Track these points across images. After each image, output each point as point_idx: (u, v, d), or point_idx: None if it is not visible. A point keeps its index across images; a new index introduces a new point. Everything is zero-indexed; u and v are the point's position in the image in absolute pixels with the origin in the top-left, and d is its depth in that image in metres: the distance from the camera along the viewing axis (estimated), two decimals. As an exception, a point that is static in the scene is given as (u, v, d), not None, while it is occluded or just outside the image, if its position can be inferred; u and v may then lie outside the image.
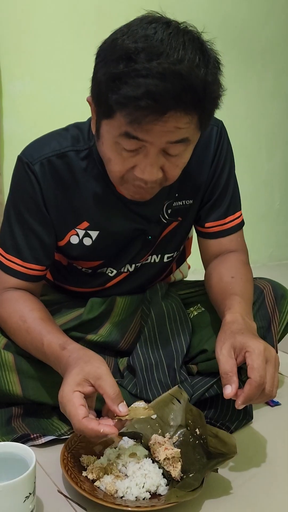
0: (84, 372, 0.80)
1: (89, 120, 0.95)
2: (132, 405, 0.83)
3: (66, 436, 0.95)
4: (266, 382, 0.80)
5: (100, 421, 0.78)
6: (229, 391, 0.80)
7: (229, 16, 2.28)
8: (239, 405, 0.80)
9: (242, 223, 1.09)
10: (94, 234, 1.01)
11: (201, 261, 1.14)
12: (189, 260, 1.28)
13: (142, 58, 0.71)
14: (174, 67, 0.70)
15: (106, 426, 0.76)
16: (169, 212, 1.03)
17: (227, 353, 0.83)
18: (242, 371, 1.05)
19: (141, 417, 0.83)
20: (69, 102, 1.85)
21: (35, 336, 0.91)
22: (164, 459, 0.82)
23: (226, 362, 0.82)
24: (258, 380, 0.78)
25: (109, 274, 1.08)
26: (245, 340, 0.82)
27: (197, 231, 1.12)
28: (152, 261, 1.10)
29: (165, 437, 0.89)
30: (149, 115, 0.73)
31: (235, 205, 1.07)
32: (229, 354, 0.83)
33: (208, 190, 1.04)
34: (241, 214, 1.09)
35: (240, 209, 1.09)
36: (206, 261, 1.11)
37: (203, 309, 1.12)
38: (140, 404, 0.84)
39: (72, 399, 0.77)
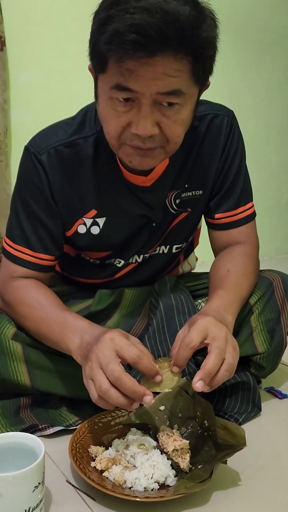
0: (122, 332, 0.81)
1: None
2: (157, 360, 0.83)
3: (74, 427, 0.95)
4: (210, 340, 0.78)
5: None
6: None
7: (237, 6, 2.25)
8: (197, 381, 0.76)
9: (253, 215, 1.08)
10: (101, 221, 1.00)
11: (208, 253, 1.13)
12: (197, 252, 1.27)
13: (131, 0, 0.71)
14: (160, 4, 0.70)
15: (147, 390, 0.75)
16: (177, 202, 1.02)
17: (181, 332, 0.84)
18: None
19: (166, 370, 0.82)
20: (76, 92, 1.84)
21: (55, 316, 0.91)
22: (173, 450, 0.82)
23: (177, 339, 0.83)
24: (188, 338, 0.78)
25: (117, 265, 1.08)
26: (198, 317, 0.82)
27: (207, 223, 1.11)
28: (161, 252, 1.09)
29: (173, 428, 0.89)
30: (136, 52, 0.72)
31: (246, 196, 1.06)
32: (182, 332, 0.84)
33: (218, 181, 1.03)
34: (253, 206, 1.08)
35: (251, 200, 1.08)
36: (216, 252, 1.10)
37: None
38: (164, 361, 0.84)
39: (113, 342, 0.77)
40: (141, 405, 0.93)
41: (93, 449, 0.85)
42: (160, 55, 0.72)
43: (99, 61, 0.78)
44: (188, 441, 0.84)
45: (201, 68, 0.79)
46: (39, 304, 0.94)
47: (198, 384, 0.76)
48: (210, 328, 0.79)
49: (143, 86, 0.75)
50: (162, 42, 0.71)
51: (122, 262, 1.07)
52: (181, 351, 0.79)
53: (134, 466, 0.82)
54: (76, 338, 0.85)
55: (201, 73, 0.80)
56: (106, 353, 0.76)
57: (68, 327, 0.88)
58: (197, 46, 0.75)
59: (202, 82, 0.82)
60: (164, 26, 0.70)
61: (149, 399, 0.75)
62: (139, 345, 0.80)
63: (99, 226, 1.01)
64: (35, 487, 0.69)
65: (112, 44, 0.73)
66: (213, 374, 0.77)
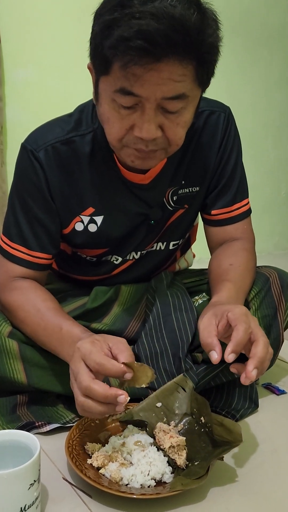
0: (105, 337, 0.80)
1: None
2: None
3: (71, 424, 0.95)
4: (252, 328, 0.79)
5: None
6: (215, 356, 0.79)
7: (235, 2, 2.24)
8: (229, 353, 0.76)
9: (249, 211, 1.08)
10: (99, 219, 1.00)
11: (206, 250, 1.13)
12: (194, 249, 1.27)
13: (136, 3, 0.70)
14: (167, 9, 0.69)
15: (119, 390, 0.73)
16: (174, 199, 1.02)
17: (207, 321, 0.82)
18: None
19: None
20: (73, 90, 1.83)
21: (52, 323, 0.90)
22: (169, 447, 0.82)
23: (205, 329, 0.81)
24: (244, 324, 0.77)
25: (114, 261, 1.08)
26: (226, 307, 0.82)
27: (203, 219, 1.11)
28: (158, 248, 1.09)
29: (170, 425, 0.89)
30: (142, 58, 0.71)
31: (242, 192, 1.06)
32: (209, 322, 0.82)
33: (214, 177, 1.03)
34: (248, 202, 1.08)
35: (247, 197, 1.08)
36: (212, 248, 1.10)
37: (208, 297, 1.11)
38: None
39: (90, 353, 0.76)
40: (139, 401, 0.93)
41: (90, 446, 0.85)
42: (165, 60, 0.72)
43: (102, 63, 0.77)
44: (184, 438, 0.84)
45: (205, 72, 0.78)
46: (36, 309, 0.93)
47: (254, 372, 0.76)
48: (250, 317, 0.81)
49: (148, 91, 0.75)
50: (168, 48, 0.71)
51: (120, 259, 1.07)
52: (242, 335, 0.77)
53: (131, 463, 0.82)
54: (71, 349, 0.85)
55: (205, 77, 0.79)
56: (76, 364, 0.77)
57: (64, 338, 0.88)
58: (202, 51, 0.74)
59: (204, 85, 0.82)
60: (171, 32, 0.69)
61: (123, 398, 0.73)
62: (119, 344, 0.79)
63: (96, 224, 1.00)
64: (31, 484, 0.69)
65: (117, 50, 0.72)
66: (264, 361, 0.78)
